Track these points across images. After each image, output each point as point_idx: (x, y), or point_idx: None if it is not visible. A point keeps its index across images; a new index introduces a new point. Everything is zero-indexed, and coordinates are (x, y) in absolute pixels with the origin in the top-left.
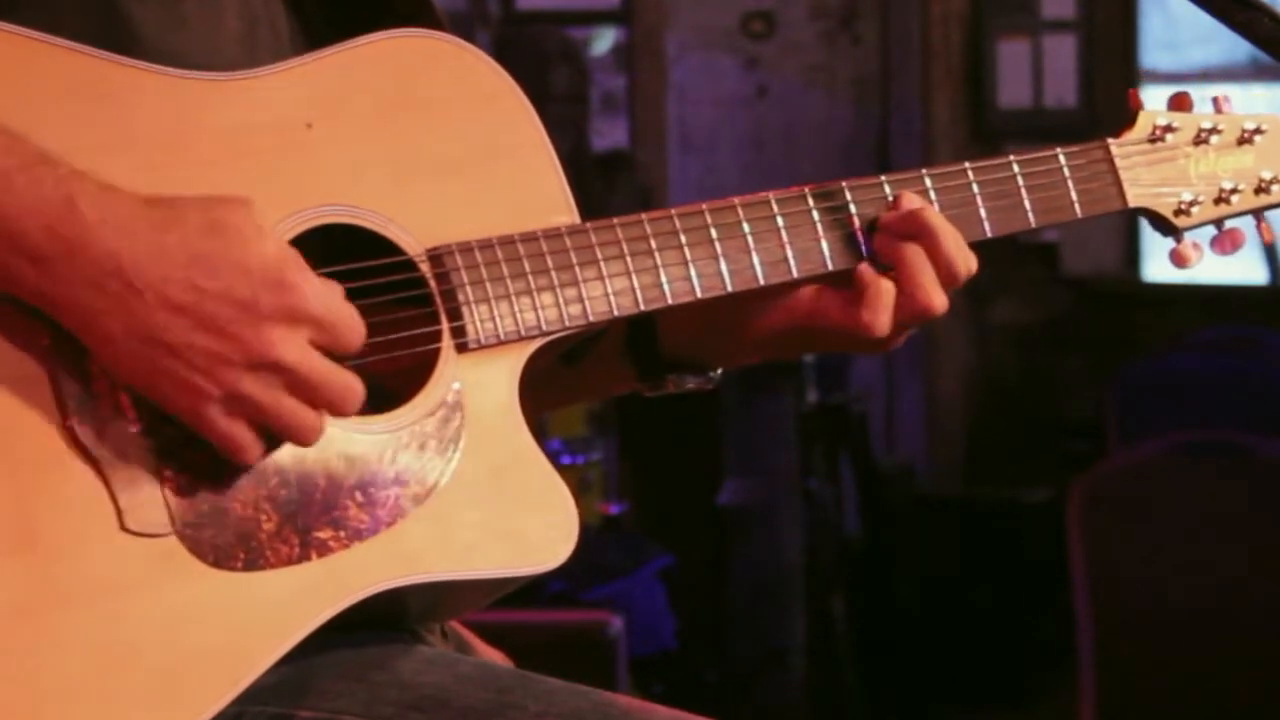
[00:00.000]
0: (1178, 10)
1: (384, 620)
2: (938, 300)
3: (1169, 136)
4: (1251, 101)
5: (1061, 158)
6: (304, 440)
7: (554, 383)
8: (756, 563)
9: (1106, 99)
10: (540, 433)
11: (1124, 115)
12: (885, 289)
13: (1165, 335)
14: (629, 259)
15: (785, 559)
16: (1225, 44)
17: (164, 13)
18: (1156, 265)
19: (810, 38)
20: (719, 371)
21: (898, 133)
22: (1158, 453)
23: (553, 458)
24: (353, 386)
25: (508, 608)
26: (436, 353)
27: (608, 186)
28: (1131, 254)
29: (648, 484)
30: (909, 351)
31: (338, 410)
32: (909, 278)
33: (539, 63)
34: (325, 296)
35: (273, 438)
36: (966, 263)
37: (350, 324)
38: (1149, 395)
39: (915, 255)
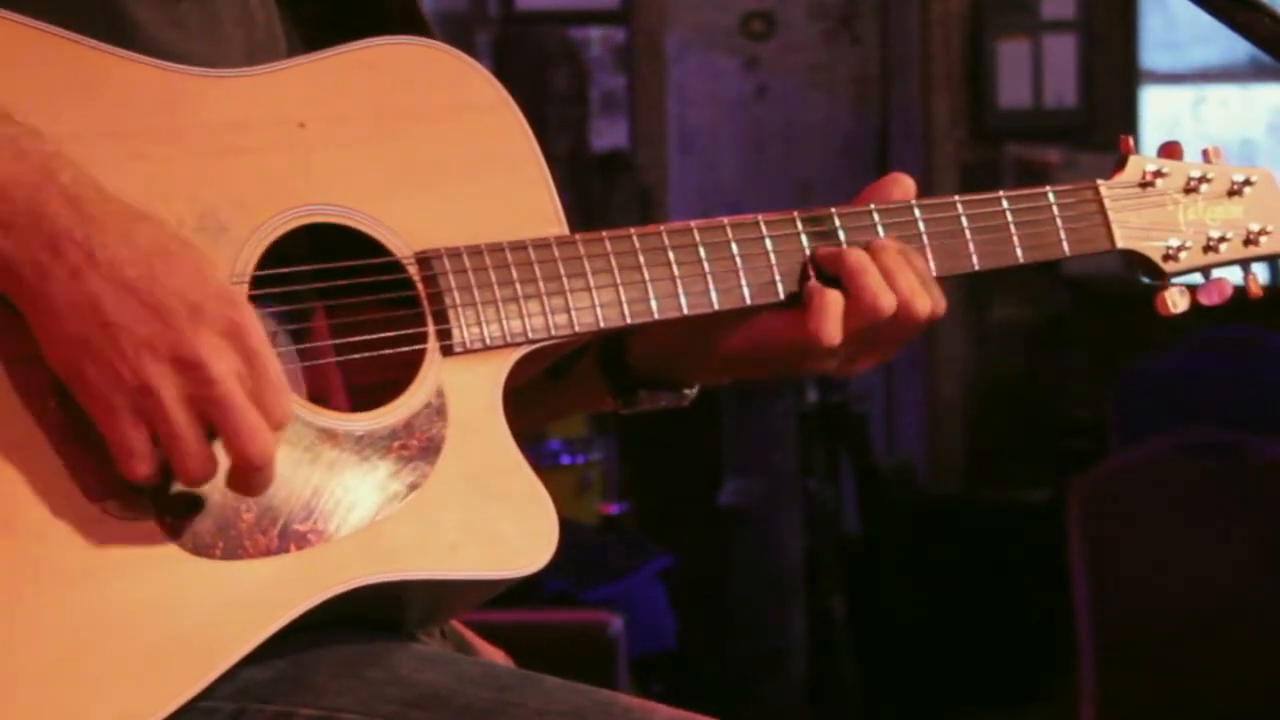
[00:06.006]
0: (1178, 10)
1: (383, 625)
2: (885, 301)
3: (1159, 182)
4: (1251, 101)
5: (1051, 196)
6: (189, 475)
7: (541, 398)
8: (756, 563)
9: (1106, 99)
10: (541, 433)
11: (1124, 116)
12: (832, 298)
13: (1165, 335)
14: (617, 273)
15: (785, 559)
16: (1225, 44)
17: (161, 13)
18: None
19: (810, 38)
20: (693, 389)
21: (898, 133)
22: (1158, 453)
23: (553, 457)
24: (264, 432)
25: (508, 608)
26: (422, 355)
27: (608, 186)
28: None
29: (648, 484)
30: (909, 351)
31: (243, 450)
32: (851, 278)
33: (539, 63)
34: (269, 345)
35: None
36: (918, 278)
37: (281, 387)
38: (1149, 395)
39: (857, 258)
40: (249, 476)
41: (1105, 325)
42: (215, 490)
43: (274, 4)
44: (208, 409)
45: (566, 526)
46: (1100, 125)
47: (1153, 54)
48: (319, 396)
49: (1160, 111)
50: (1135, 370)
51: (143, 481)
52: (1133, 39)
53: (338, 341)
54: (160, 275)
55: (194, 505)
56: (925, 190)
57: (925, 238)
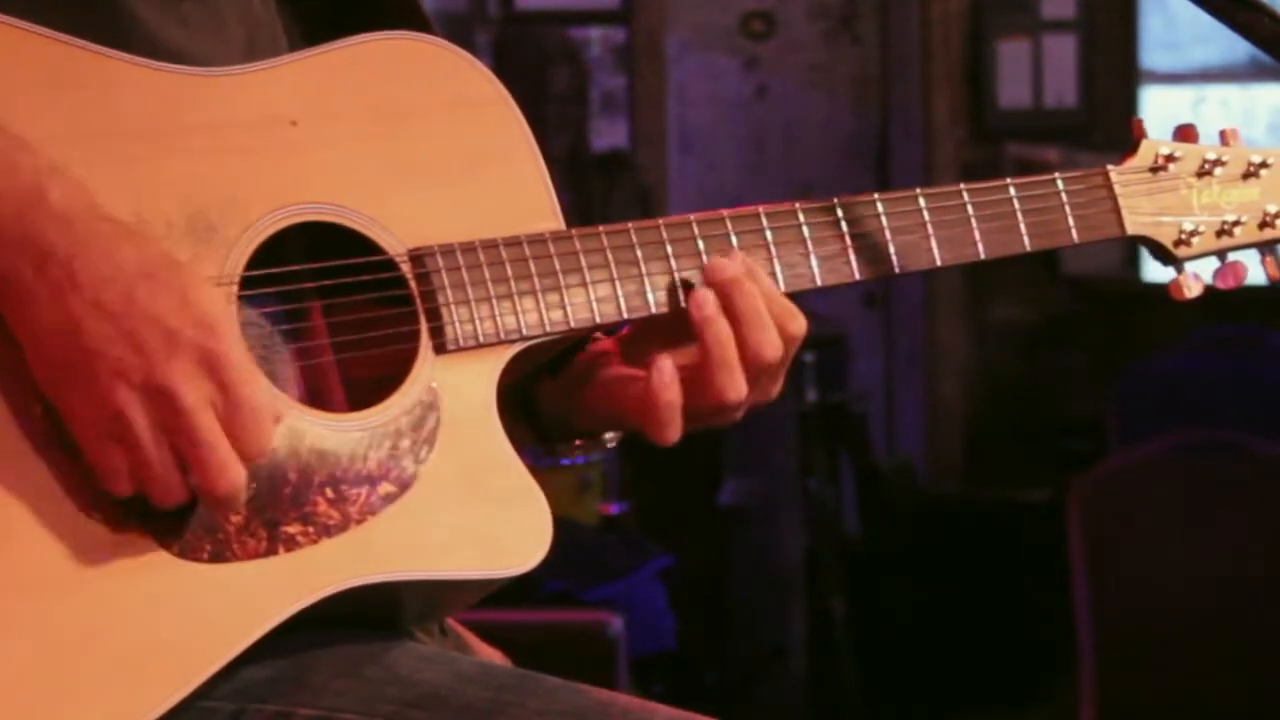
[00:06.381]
0: (1178, 10)
1: (380, 622)
2: (732, 393)
3: (1171, 166)
4: (1251, 101)
5: (1059, 183)
6: (158, 497)
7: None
8: (756, 563)
9: (1106, 99)
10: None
11: (1123, 116)
12: (667, 401)
13: (1165, 335)
14: (613, 267)
15: (785, 559)
16: (1225, 44)
17: (163, 11)
18: (1156, 265)
19: (810, 38)
20: (610, 436)
21: (898, 133)
22: (1158, 453)
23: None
24: (232, 467)
25: (507, 607)
26: (415, 353)
27: (608, 186)
28: (1131, 254)
29: (648, 484)
30: (909, 351)
31: (209, 484)
32: (713, 357)
33: (539, 63)
34: (248, 370)
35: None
36: (773, 346)
37: (258, 417)
38: (1149, 395)
39: (720, 334)
40: (214, 505)
41: (1105, 325)
42: None
43: (275, 0)
44: (177, 439)
45: (566, 526)
46: (1100, 125)
47: (1153, 54)
48: (316, 394)
49: (1160, 111)
50: (1135, 370)
51: (125, 497)
52: (1133, 39)
53: (334, 340)
54: (140, 300)
55: (182, 512)
56: None
57: (929, 226)
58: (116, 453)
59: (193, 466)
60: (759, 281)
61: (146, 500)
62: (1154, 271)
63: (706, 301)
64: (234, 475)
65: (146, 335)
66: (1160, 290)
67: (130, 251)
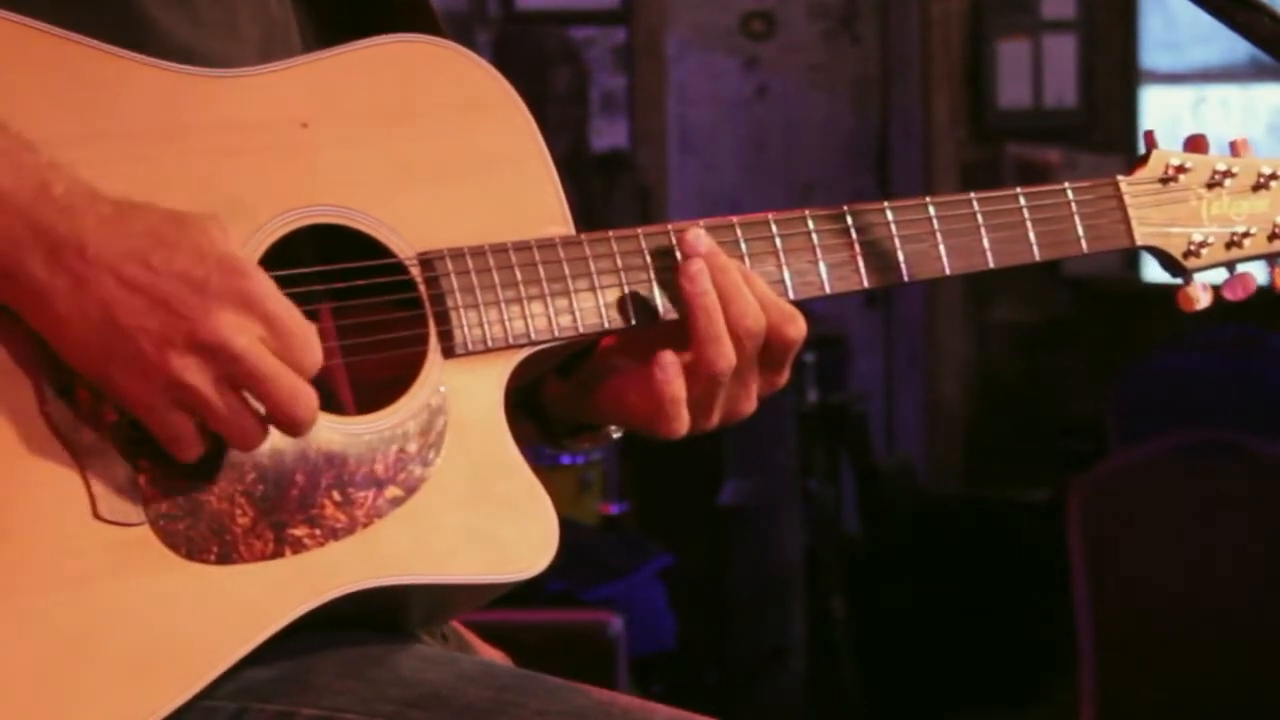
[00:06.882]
0: (1178, 10)
1: (385, 625)
2: (723, 361)
3: (1182, 177)
4: (1251, 101)
5: (1069, 193)
6: (243, 445)
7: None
8: (756, 563)
9: (1106, 99)
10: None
11: (1124, 116)
12: (671, 395)
13: (1165, 335)
14: (623, 272)
15: (785, 559)
16: (1225, 44)
17: (177, 11)
18: (1157, 265)
19: (810, 38)
20: (611, 430)
21: (898, 133)
22: (1158, 453)
23: (552, 457)
24: (302, 390)
25: (508, 608)
26: (423, 357)
27: (608, 186)
28: (1131, 254)
29: (648, 484)
30: (909, 351)
31: (286, 414)
32: (700, 328)
33: (539, 63)
34: (283, 300)
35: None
36: (754, 317)
37: (306, 336)
38: (1149, 395)
39: (706, 302)
40: (296, 432)
41: (1105, 325)
42: (211, 494)
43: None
44: (242, 383)
45: (566, 526)
46: (1100, 125)
47: (1153, 54)
48: (324, 396)
49: (1160, 111)
50: (1135, 370)
51: (195, 461)
52: (1133, 39)
53: (343, 343)
54: (160, 265)
55: (189, 513)
56: (924, 191)
57: (939, 235)
58: (183, 419)
59: (266, 403)
60: (731, 262)
61: (152, 493)
62: (1154, 272)
63: (701, 274)
64: (307, 397)
65: (178, 295)
66: (1160, 291)
67: (136, 224)
